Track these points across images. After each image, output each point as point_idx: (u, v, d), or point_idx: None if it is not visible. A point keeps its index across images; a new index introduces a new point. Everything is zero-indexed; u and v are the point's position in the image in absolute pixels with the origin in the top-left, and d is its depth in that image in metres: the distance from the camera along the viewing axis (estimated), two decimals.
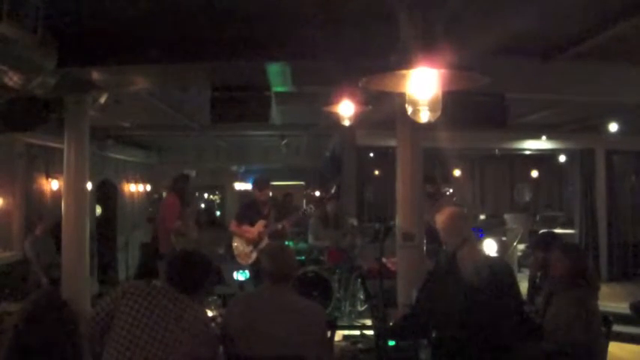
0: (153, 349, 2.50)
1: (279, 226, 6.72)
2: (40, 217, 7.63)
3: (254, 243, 6.60)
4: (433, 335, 3.26)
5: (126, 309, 2.58)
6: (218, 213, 16.87)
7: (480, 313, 2.89)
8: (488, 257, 3.37)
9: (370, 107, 4.79)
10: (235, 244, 6.73)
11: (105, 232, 10.40)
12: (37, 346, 2.09)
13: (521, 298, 3.25)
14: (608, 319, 3.61)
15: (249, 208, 6.92)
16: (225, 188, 16.44)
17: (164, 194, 9.94)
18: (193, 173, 12.67)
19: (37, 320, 2.15)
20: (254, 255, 6.52)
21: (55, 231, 6.41)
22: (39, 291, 2.41)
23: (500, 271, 3.07)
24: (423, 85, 2.40)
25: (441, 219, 3.16)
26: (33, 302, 2.26)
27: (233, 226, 6.81)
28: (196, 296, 2.77)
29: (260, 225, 6.63)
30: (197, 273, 2.79)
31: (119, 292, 2.68)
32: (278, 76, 5.33)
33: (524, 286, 3.57)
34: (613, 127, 8.51)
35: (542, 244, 4.27)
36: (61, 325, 2.20)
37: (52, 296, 2.39)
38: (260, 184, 6.94)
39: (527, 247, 10.22)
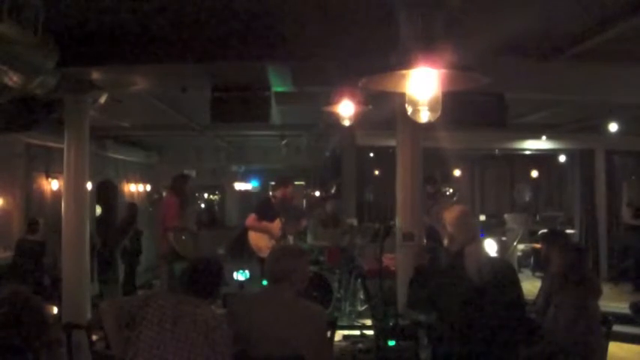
0: (178, 353, 2.52)
1: (304, 223, 6.94)
2: (42, 216, 7.64)
3: (277, 239, 6.79)
4: (433, 335, 3.26)
5: (152, 318, 2.61)
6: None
7: (481, 311, 2.89)
8: (492, 257, 3.35)
9: (370, 107, 4.79)
10: (253, 238, 6.82)
11: (105, 232, 10.39)
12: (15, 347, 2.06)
13: (523, 298, 3.24)
14: (608, 319, 3.61)
15: (268, 206, 7.06)
16: (225, 188, 16.43)
17: (164, 194, 9.95)
18: (193, 173, 12.67)
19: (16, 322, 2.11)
20: None
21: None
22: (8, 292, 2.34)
23: (503, 270, 3.07)
24: (423, 85, 2.40)
25: (450, 216, 3.14)
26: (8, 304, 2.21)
27: (252, 220, 6.88)
28: (211, 299, 2.84)
29: (279, 222, 6.83)
30: (211, 278, 2.85)
31: (143, 299, 2.72)
32: (278, 76, 5.33)
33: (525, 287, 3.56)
34: (613, 127, 8.51)
35: (546, 240, 4.28)
36: (36, 325, 2.17)
37: (25, 297, 2.34)
38: (286, 182, 7.17)
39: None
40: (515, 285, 3.12)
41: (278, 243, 6.71)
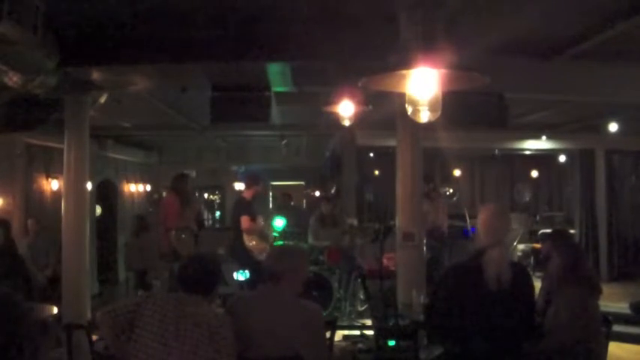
0: (181, 354, 2.53)
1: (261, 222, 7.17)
2: (36, 217, 7.64)
3: (264, 237, 6.92)
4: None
5: (153, 320, 2.60)
6: (218, 213, 16.83)
7: (494, 315, 2.88)
8: (512, 263, 3.26)
9: (370, 107, 4.79)
10: (251, 240, 6.83)
11: (105, 232, 10.39)
12: None
13: (535, 305, 3.22)
14: (608, 319, 3.61)
15: (251, 206, 7.05)
16: (225, 188, 16.43)
17: (164, 194, 9.95)
18: (193, 173, 12.67)
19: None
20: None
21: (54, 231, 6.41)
22: None
23: (521, 278, 3.04)
24: (423, 85, 2.40)
25: (481, 215, 3.09)
26: None
27: (248, 222, 6.82)
28: (210, 297, 2.82)
29: (261, 221, 6.92)
30: (209, 275, 2.83)
31: (140, 299, 2.73)
32: (278, 76, 5.33)
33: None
34: (613, 127, 8.50)
35: (551, 238, 4.28)
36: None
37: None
38: (258, 180, 7.23)
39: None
40: (531, 292, 3.09)
41: (267, 241, 6.79)
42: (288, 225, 8.95)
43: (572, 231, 10.42)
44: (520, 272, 3.09)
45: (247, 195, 7.13)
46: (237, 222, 6.86)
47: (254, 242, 6.81)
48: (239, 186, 16.02)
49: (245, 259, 6.79)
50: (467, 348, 2.94)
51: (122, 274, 10.55)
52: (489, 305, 2.88)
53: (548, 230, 7.15)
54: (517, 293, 2.95)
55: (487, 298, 2.87)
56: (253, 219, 6.84)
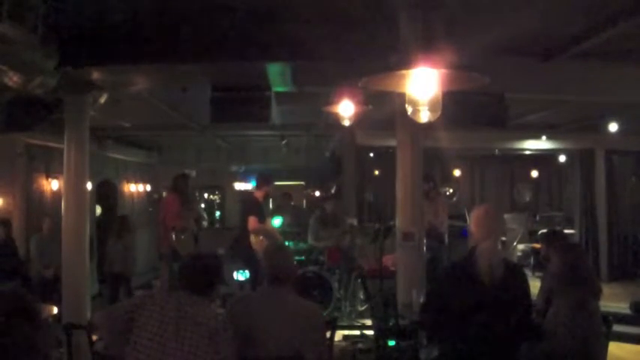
0: (180, 355, 2.52)
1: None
2: (48, 215, 7.65)
3: (271, 237, 6.78)
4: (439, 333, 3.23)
5: (153, 320, 2.59)
6: (218, 213, 16.82)
7: (489, 313, 2.88)
8: (505, 259, 3.29)
9: (370, 107, 4.80)
10: (258, 239, 6.74)
11: (105, 232, 10.38)
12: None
13: (531, 302, 3.22)
14: (608, 319, 3.61)
15: (260, 206, 6.99)
16: (225, 188, 16.43)
17: (164, 194, 9.94)
18: (193, 173, 12.67)
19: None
20: None
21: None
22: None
23: (514, 274, 3.05)
24: (423, 85, 2.41)
25: (473, 214, 3.16)
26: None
27: (255, 223, 6.68)
28: (211, 297, 2.82)
29: (269, 222, 6.93)
30: (210, 274, 2.82)
31: (138, 300, 2.72)
32: (278, 76, 5.33)
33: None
34: (613, 127, 8.50)
35: (546, 240, 4.28)
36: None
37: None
38: (270, 181, 7.12)
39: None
40: (526, 291, 3.10)
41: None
42: (287, 225, 8.94)
43: (572, 231, 10.44)
44: (516, 271, 3.11)
45: (258, 195, 7.01)
46: (246, 221, 6.76)
47: (262, 239, 6.77)
48: (239, 186, 16.03)
49: (248, 258, 6.75)
50: (462, 346, 2.95)
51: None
52: (484, 303, 2.88)
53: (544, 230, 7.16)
54: (512, 291, 2.96)
55: (482, 295, 2.88)
56: (263, 220, 6.78)
